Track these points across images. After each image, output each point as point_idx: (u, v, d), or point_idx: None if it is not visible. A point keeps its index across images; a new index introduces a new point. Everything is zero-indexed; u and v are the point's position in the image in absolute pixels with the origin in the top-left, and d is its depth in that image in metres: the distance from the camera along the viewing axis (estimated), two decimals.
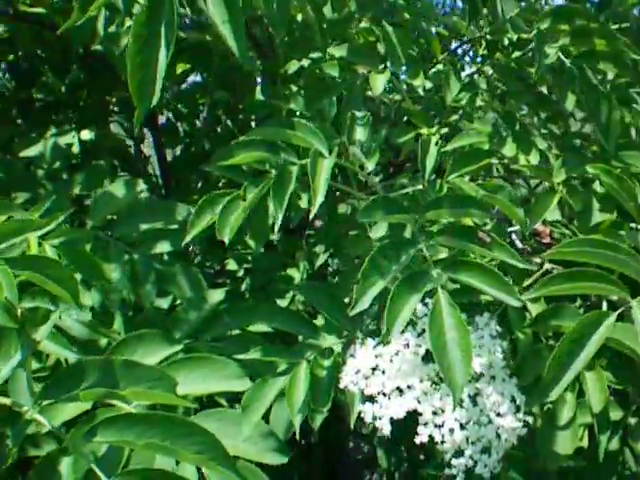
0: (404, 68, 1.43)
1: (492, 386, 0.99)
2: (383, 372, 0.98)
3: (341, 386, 1.00)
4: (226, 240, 0.98)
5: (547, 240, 1.27)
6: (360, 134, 1.08)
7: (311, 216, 0.94)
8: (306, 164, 0.97)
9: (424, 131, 1.33)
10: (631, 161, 1.22)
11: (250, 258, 1.80)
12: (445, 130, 1.37)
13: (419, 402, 0.95)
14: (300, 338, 1.16)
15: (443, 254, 0.99)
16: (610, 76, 1.39)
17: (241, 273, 1.84)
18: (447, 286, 0.95)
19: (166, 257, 1.36)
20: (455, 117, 1.36)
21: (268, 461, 1.04)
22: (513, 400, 1.00)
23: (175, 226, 1.34)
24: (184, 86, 2.08)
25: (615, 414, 1.22)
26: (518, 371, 1.07)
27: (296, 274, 1.71)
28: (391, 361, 0.98)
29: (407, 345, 0.98)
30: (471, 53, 1.67)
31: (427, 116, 1.35)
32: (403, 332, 0.99)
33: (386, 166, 1.45)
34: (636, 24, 1.34)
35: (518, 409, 1.00)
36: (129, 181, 1.42)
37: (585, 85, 1.22)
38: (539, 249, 1.30)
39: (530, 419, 1.00)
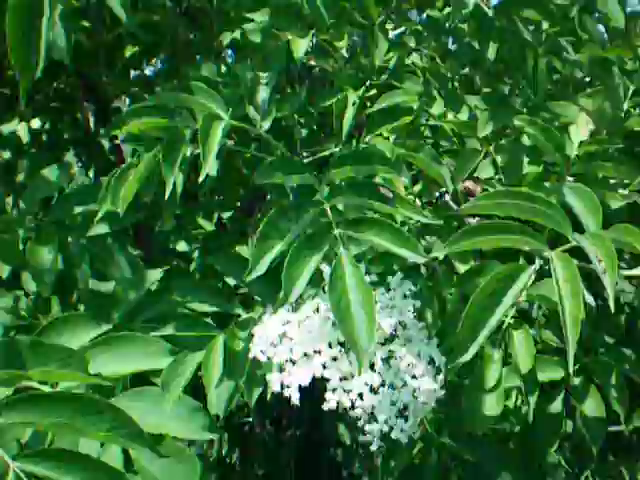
0: None
1: (407, 348, 0.95)
2: (291, 339, 0.94)
3: (250, 356, 0.96)
4: (120, 211, 0.94)
5: None
6: (263, 94, 1.03)
7: (200, 179, 0.89)
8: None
9: (350, 93, 1.28)
10: (560, 111, 1.17)
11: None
12: (373, 92, 1.32)
13: (325, 367, 0.91)
14: None
15: (352, 215, 0.94)
16: (545, 26, 1.34)
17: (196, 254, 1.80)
18: (350, 245, 0.90)
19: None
20: (384, 77, 1.31)
21: (196, 437, 1.02)
22: (432, 362, 0.96)
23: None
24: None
25: (556, 374, 1.18)
26: (444, 332, 1.02)
27: (245, 251, 1.67)
28: (299, 327, 0.94)
29: (317, 310, 0.94)
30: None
31: (353, 78, 1.30)
32: (314, 297, 0.95)
33: (315, 131, 1.40)
34: None
35: (439, 371, 0.96)
36: (63, 165, 1.39)
37: (508, 34, 1.17)
38: None
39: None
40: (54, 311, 1.36)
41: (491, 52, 1.15)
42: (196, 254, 1.80)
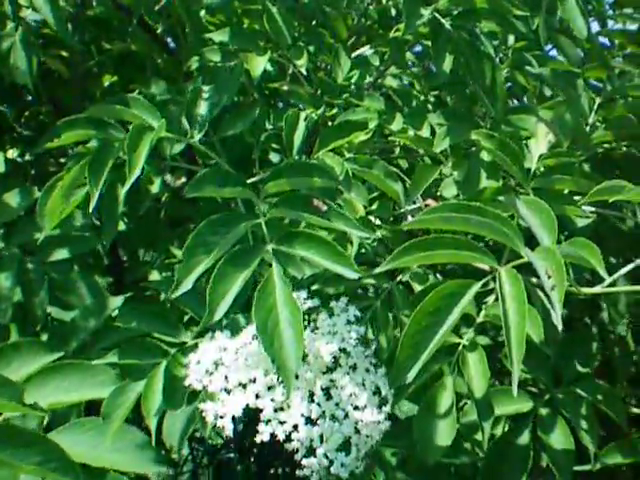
0: None
1: (350, 377, 0.89)
2: (228, 367, 0.89)
3: (186, 384, 0.91)
4: (47, 228, 0.90)
5: None
6: (202, 109, 1.00)
7: (122, 191, 0.85)
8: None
9: (309, 112, 1.24)
10: (521, 124, 1.12)
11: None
12: (335, 111, 1.28)
13: (257, 397, 0.85)
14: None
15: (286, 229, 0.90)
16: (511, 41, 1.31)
17: None
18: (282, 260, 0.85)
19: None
20: (346, 96, 1.27)
21: (142, 471, 0.98)
22: (379, 392, 0.90)
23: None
24: None
25: (524, 405, 1.12)
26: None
27: None
28: (236, 354, 0.89)
29: (255, 336, 0.89)
30: None
31: (312, 96, 1.26)
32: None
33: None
34: None
35: (385, 402, 0.90)
36: (25, 189, 1.36)
37: (465, 46, 1.13)
38: None
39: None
40: (12, 339, 1.32)
41: (447, 64, 1.11)
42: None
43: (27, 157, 1.88)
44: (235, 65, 1.23)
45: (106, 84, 1.87)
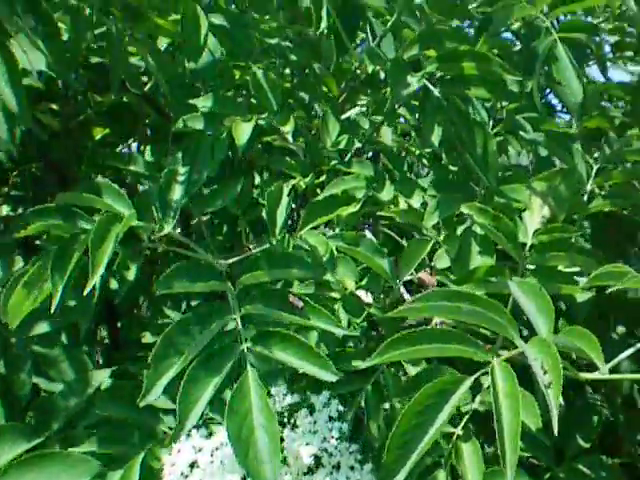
0: None
1: (334, 476, 0.84)
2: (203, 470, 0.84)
3: None
4: (11, 324, 0.85)
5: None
6: (177, 193, 0.95)
7: (86, 290, 0.81)
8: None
9: (296, 181, 1.20)
10: (514, 195, 1.07)
11: None
12: (323, 177, 1.23)
13: None
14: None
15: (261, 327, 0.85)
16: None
17: None
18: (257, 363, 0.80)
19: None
20: (334, 163, 1.22)
21: None
22: None
23: None
24: None
25: None
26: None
27: None
28: (212, 456, 0.84)
29: None
30: None
31: (300, 164, 1.22)
32: None
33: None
34: (524, 44, 1.20)
35: None
36: (4, 259, 1.33)
37: (455, 114, 1.08)
38: None
39: None
40: None
41: (435, 136, 1.06)
42: None
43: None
44: (219, 135, 1.19)
45: (98, 137, 1.85)
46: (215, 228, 1.25)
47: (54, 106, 1.69)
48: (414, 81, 1.07)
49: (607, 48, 1.58)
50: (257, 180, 1.33)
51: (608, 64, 1.51)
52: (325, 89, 1.42)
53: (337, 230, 1.08)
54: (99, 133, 1.85)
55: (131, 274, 1.01)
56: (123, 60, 1.21)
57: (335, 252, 0.99)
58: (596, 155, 1.19)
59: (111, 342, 1.66)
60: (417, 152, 1.38)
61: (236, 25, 1.33)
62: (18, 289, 0.85)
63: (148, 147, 1.45)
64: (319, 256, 0.96)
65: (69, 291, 0.83)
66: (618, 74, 1.70)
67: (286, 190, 1.06)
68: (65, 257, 0.83)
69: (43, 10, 0.97)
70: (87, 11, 1.16)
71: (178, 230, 0.98)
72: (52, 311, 0.81)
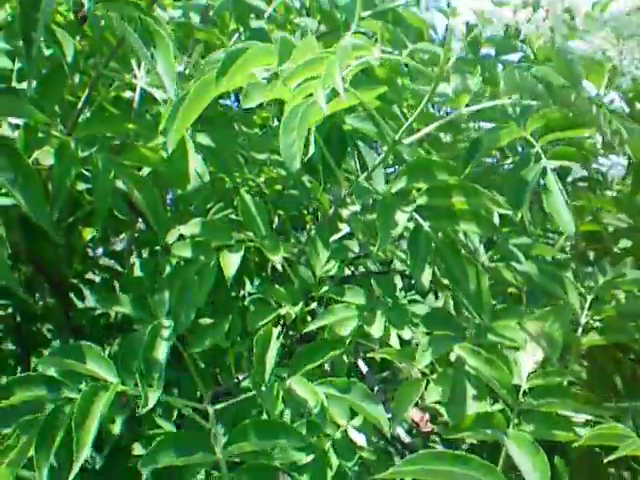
0: None
1: None
2: None
3: None
4: None
5: (428, 428, 1.10)
6: (162, 352, 0.94)
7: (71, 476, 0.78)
8: None
9: (286, 309, 1.18)
10: (507, 334, 1.05)
11: None
12: (314, 305, 1.22)
13: None
14: None
15: None
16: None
17: None
18: None
19: None
20: (325, 290, 1.21)
21: None
22: None
23: None
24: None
25: None
26: None
27: None
28: None
29: None
30: None
31: (290, 292, 1.20)
32: None
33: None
34: (513, 172, 1.18)
35: None
36: None
37: (447, 250, 1.07)
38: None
39: None
40: None
41: (426, 276, 1.04)
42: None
43: None
44: (207, 263, 1.18)
45: (88, 237, 1.83)
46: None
47: None
48: (404, 218, 1.06)
49: None
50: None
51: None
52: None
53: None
54: (89, 234, 1.85)
55: (116, 427, 0.99)
56: (109, 191, 1.20)
57: (325, 402, 0.98)
58: (590, 284, 1.17)
59: None
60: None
61: (223, 144, 1.33)
62: (2, 468, 0.82)
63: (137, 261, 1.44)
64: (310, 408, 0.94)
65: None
66: None
67: (275, 333, 1.04)
68: (48, 437, 0.81)
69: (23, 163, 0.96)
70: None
71: None
72: None
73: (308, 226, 1.45)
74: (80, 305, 1.80)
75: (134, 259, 1.59)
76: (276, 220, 1.63)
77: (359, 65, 0.95)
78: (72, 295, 1.80)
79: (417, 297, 1.27)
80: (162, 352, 0.95)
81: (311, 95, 0.91)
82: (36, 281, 1.91)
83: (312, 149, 1.23)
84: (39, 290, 1.90)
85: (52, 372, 0.93)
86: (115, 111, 1.39)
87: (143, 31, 0.93)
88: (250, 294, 1.31)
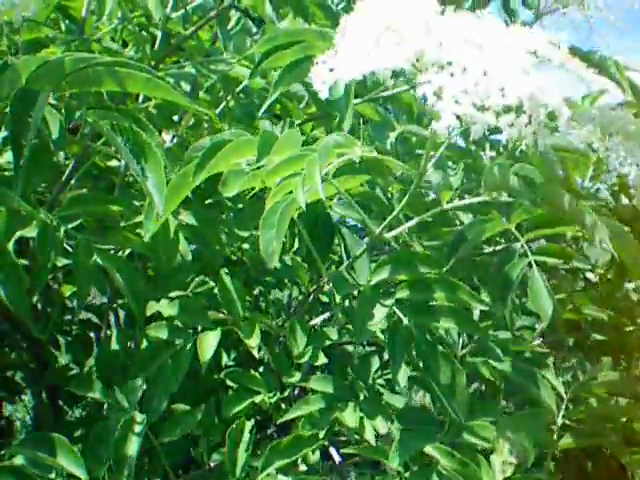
0: None
1: None
2: None
3: None
4: None
5: None
6: (133, 448, 0.92)
7: None
8: None
9: (261, 397, 1.17)
10: (482, 433, 1.04)
11: None
12: (287, 392, 1.20)
13: None
14: None
15: None
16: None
17: None
18: None
19: None
20: (299, 378, 1.19)
21: None
22: None
23: None
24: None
25: None
26: None
27: None
28: None
29: None
30: None
31: (266, 379, 1.19)
32: None
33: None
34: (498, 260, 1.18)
35: None
36: None
37: (425, 345, 1.06)
38: None
39: None
40: None
41: (402, 376, 1.03)
42: None
43: None
44: (183, 347, 1.17)
45: (68, 294, 1.82)
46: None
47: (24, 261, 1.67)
48: (383, 312, 1.05)
49: None
50: None
51: None
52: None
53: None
54: (68, 290, 1.83)
55: None
56: (89, 270, 1.19)
57: None
58: (568, 378, 1.16)
59: None
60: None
61: (206, 223, 1.32)
62: None
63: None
64: None
65: None
66: None
67: (248, 426, 1.03)
68: None
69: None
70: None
71: None
72: None
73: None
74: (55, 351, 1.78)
75: (111, 331, 1.57)
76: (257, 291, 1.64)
77: (341, 162, 0.95)
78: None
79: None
80: (133, 448, 0.93)
81: (291, 193, 0.91)
82: (11, 336, 1.90)
83: (296, 244, 1.24)
84: (14, 345, 1.88)
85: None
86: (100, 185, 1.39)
87: (134, 141, 0.92)
88: (227, 366, 1.29)
